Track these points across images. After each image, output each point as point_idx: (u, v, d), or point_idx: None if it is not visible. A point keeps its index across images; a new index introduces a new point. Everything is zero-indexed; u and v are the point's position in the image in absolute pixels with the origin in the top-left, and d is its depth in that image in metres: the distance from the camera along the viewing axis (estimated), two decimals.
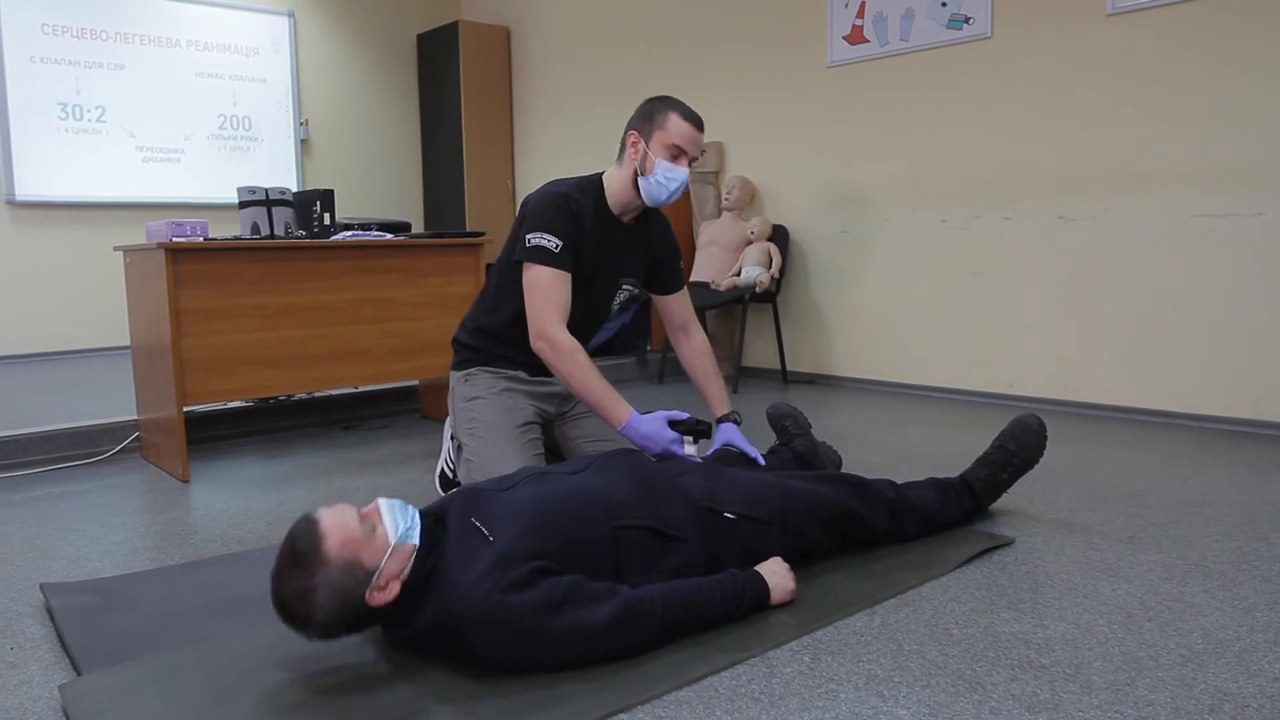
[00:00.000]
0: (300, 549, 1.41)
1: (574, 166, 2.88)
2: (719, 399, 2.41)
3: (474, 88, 6.51)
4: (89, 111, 5.64)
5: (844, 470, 2.41)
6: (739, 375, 4.57)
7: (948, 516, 2.15)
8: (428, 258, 3.48)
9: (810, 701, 1.41)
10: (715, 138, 5.07)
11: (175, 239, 2.90)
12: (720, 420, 2.35)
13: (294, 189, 3.38)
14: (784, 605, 1.73)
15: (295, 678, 1.49)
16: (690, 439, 2.12)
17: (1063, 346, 3.79)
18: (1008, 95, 3.89)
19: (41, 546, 2.29)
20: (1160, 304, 3.50)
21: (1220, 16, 3.28)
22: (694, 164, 2.28)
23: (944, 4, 4.06)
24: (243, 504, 2.65)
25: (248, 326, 3.05)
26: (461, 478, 2.30)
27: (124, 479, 2.98)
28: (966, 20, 4.00)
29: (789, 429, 2.44)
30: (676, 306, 2.50)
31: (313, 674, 1.51)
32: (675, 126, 2.19)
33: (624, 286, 2.41)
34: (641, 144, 2.22)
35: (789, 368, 4.80)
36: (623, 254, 2.35)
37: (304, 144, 6.49)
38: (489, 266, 2.80)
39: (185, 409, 2.95)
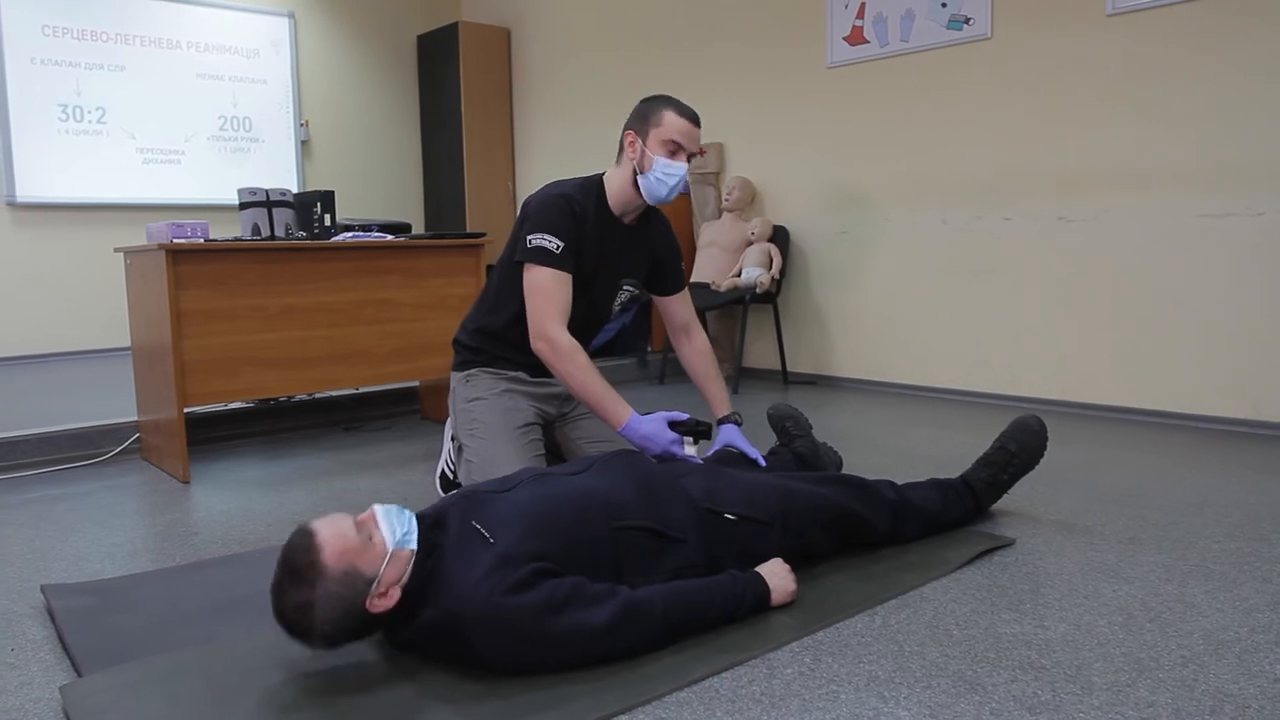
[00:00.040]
0: (298, 562, 1.41)
1: (574, 167, 2.89)
2: (720, 400, 2.40)
3: (474, 88, 6.51)
4: (89, 113, 5.65)
5: (845, 471, 2.41)
6: (739, 376, 4.57)
7: (949, 517, 2.15)
8: (428, 259, 3.48)
9: (811, 703, 1.41)
10: (715, 139, 5.07)
11: (176, 240, 2.90)
12: (721, 421, 2.35)
13: (294, 190, 3.38)
14: (785, 606, 1.73)
15: (296, 678, 1.50)
16: (690, 440, 2.12)
17: (1063, 347, 3.79)
18: (1008, 95, 3.89)
19: (42, 548, 2.29)
20: (1160, 304, 3.50)
21: (1220, 16, 3.28)
22: (692, 160, 2.28)
23: (944, 4, 4.06)
24: (243, 505, 2.65)
25: (248, 327, 3.05)
26: (462, 479, 2.30)
27: (124, 480, 2.99)
28: (966, 21, 4.00)
29: (790, 430, 2.44)
30: (677, 307, 2.50)
31: (314, 674, 1.51)
32: (671, 122, 2.20)
33: (625, 287, 2.41)
34: (639, 143, 2.22)
35: (789, 368, 4.80)
36: (624, 255, 2.36)
37: (304, 145, 6.49)
38: (489, 267, 2.80)
39: (186, 410, 2.96)
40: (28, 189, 5.45)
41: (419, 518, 1.57)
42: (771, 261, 4.61)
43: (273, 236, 3.23)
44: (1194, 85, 3.36)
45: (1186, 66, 3.37)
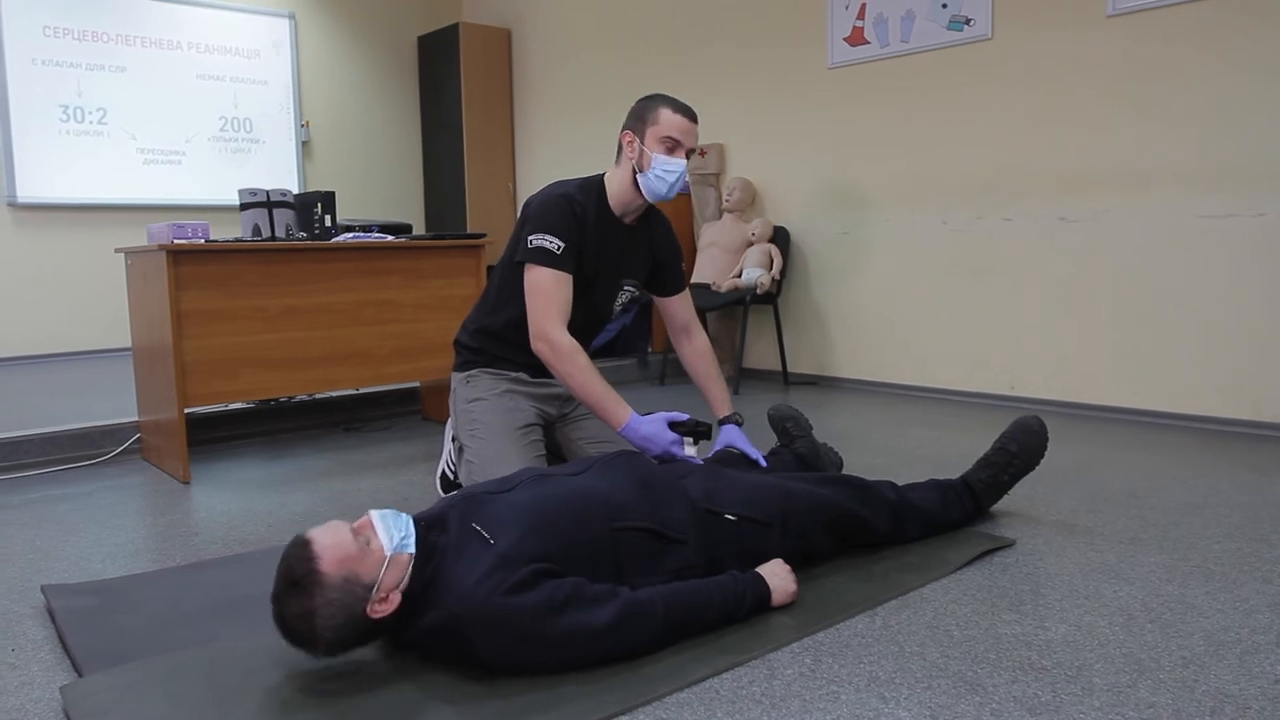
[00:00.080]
0: (296, 572, 1.41)
1: (575, 168, 2.88)
2: (720, 400, 2.40)
3: (475, 89, 6.51)
4: (90, 113, 5.65)
5: (845, 472, 2.41)
6: (740, 377, 4.57)
7: (949, 518, 2.15)
8: (429, 259, 3.48)
9: (811, 703, 1.41)
10: (716, 139, 5.07)
11: (176, 241, 2.90)
12: (722, 422, 2.35)
13: (295, 191, 3.39)
14: (785, 607, 1.73)
15: (297, 678, 1.50)
16: (690, 440, 2.12)
17: (1063, 347, 3.79)
18: (1008, 96, 3.89)
19: (43, 548, 2.29)
20: (1160, 304, 3.50)
21: (1220, 16, 3.28)
22: (691, 156, 2.28)
23: (944, 5, 4.07)
24: (244, 506, 2.65)
25: (249, 328, 3.05)
26: (463, 479, 2.30)
27: (125, 480, 2.99)
28: (967, 22, 4.00)
29: (790, 430, 2.44)
30: (678, 308, 2.50)
31: (314, 675, 1.51)
32: (667, 119, 2.20)
33: (626, 288, 2.41)
34: (636, 142, 2.22)
35: (790, 369, 4.80)
36: (624, 255, 2.36)
37: (305, 146, 6.49)
38: (490, 268, 2.80)
39: (186, 411, 2.96)
40: (29, 189, 5.45)
41: (418, 520, 1.57)
42: (772, 262, 4.61)
43: (273, 237, 3.24)
44: (1194, 85, 3.36)
45: (1186, 66, 3.37)
